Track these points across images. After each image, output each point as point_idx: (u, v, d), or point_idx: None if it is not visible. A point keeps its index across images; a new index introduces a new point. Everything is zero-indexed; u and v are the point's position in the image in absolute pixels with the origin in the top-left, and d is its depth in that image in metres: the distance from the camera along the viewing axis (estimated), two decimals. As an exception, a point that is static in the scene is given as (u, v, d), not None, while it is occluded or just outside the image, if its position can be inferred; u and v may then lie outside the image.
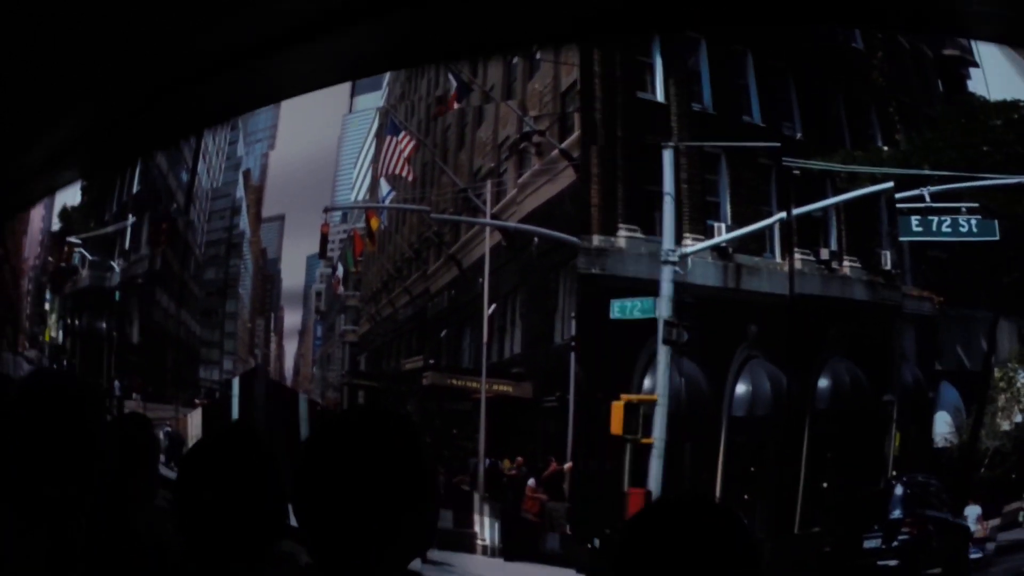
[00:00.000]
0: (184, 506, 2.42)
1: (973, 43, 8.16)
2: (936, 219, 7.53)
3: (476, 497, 6.77)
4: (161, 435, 10.42)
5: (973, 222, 7.42)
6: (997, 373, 7.74)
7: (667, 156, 6.24)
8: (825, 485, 6.58)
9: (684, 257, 6.18)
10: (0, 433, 1.96)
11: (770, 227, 6.42)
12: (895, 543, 6.54)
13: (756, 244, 6.22)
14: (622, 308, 6.21)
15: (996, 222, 7.47)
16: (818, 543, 6.36)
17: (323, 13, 5.73)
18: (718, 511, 1.78)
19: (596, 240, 6.47)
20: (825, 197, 6.68)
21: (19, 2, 5.69)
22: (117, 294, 12.17)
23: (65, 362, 13.71)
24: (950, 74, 8.09)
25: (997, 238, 7.42)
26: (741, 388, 6.26)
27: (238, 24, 6.11)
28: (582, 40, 6.65)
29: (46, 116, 8.83)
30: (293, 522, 2.25)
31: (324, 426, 2.11)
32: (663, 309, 6.11)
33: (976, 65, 8.20)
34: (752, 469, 5.57)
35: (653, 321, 6.18)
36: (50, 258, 14.71)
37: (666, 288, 6.12)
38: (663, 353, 6.11)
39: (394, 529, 1.91)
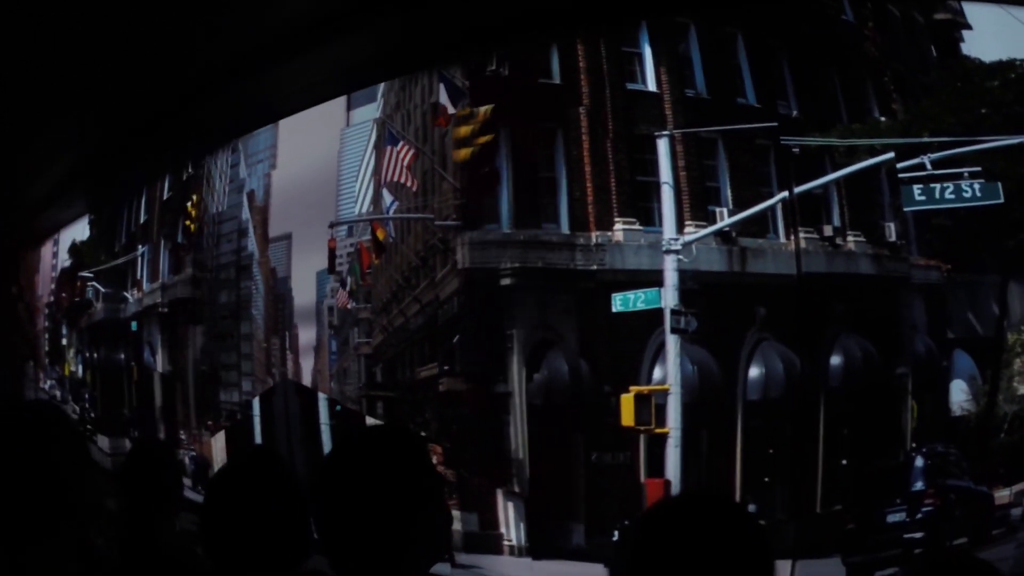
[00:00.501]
0: (210, 528, 2.49)
1: (965, 5, 8.15)
2: (939, 186, 7.51)
3: (500, 499, 6.81)
4: (187, 460, 10.53)
5: (976, 187, 7.39)
6: (1010, 337, 7.71)
7: (663, 145, 6.25)
8: (844, 463, 6.58)
9: (687, 245, 6.19)
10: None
11: (772, 208, 6.40)
12: (919, 516, 6.54)
13: (759, 226, 6.21)
14: (624, 301, 6.25)
15: (999, 185, 7.44)
16: (840, 521, 6.36)
17: (316, 23, 5.80)
18: (728, 507, 1.81)
19: (594, 236, 6.52)
20: (825, 173, 6.66)
21: (13, 36, 5.84)
22: (133, 324, 12.32)
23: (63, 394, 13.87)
24: (943, 39, 8.06)
25: (1001, 201, 7.40)
26: (754, 372, 6.27)
27: (233, 41, 6.22)
28: (572, 30, 6.69)
29: (48, 148, 9.00)
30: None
31: (336, 443, 2.22)
32: (669, 298, 6.14)
33: (969, 27, 8.16)
34: (771, 451, 5.57)
35: (659, 312, 6.21)
36: (63, 293, 14.93)
37: (671, 277, 6.14)
38: (672, 342, 6.13)
39: (404, 538, 1.98)
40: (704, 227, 6.30)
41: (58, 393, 14.53)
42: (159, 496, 3.64)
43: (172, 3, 5.56)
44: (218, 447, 10.23)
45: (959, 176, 7.41)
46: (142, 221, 12.14)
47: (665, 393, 6.16)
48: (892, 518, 6.41)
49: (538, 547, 6.63)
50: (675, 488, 6.14)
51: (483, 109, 6.47)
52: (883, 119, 7.47)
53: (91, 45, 6.19)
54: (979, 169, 7.45)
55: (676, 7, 6.23)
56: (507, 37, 6.55)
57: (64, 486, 1.86)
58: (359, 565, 2.01)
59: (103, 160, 9.65)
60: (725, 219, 6.37)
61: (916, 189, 7.55)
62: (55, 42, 6.14)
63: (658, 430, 6.15)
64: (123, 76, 6.95)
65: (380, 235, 10.25)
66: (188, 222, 10.67)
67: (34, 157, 9.50)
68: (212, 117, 8.23)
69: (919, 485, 6.57)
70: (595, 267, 6.55)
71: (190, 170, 10.89)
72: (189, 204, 10.61)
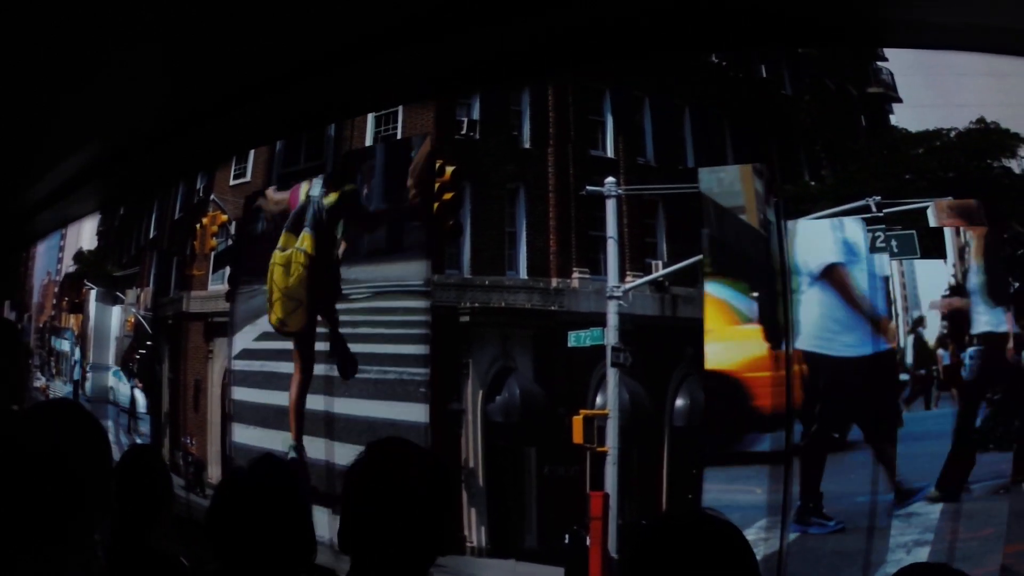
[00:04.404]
0: (217, 533, 2.61)
1: (897, 78, 8.95)
2: (882, 235, 8.33)
3: (464, 503, 7.63)
4: (182, 461, 11.00)
5: (894, 242, 8.23)
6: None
7: (611, 205, 7.21)
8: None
9: (626, 292, 7.11)
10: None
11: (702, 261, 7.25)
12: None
13: (689, 277, 7.07)
14: (576, 338, 7.24)
15: (916, 240, 8.28)
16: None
17: (362, 37, 6.21)
18: (723, 527, 1.92)
19: (554, 281, 7.50)
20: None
21: (30, 29, 6.01)
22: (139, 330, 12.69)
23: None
24: (874, 110, 8.87)
25: (919, 255, 8.25)
26: (680, 402, 7.11)
27: (256, 57, 6.69)
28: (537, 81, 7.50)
29: (56, 149, 9.28)
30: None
31: (361, 454, 2.42)
32: (611, 337, 7.10)
33: (899, 100, 8.95)
34: (693, 472, 6.39)
35: (602, 348, 7.16)
36: (66, 298, 15.01)
37: (612, 319, 7.12)
38: (612, 374, 7.10)
39: (422, 537, 2.25)
40: (641, 276, 7.17)
41: (59, 393, 14.67)
42: (150, 502, 3.78)
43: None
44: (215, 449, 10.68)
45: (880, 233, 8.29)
46: (152, 235, 12.49)
47: (605, 417, 7.08)
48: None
49: (496, 548, 7.48)
50: (613, 500, 7.02)
51: (449, 168, 7.33)
52: (813, 183, 8.34)
53: (106, 52, 6.44)
54: (899, 227, 8.34)
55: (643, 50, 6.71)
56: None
57: (80, 488, 1.80)
58: (381, 562, 2.20)
59: (111, 164, 9.99)
60: (660, 270, 7.26)
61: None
62: (64, 51, 6.37)
63: (599, 449, 7.07)
64: (139, 86, 7.30)
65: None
66: (195, 241, 11.12)
67: (39, 160, 9.78)
68: (226, 131, 8.66)
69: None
70: (554, 308, 7.47)
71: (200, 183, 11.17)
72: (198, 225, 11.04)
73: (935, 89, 8.31)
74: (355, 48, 6.38)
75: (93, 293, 14.09)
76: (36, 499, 1.73)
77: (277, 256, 8.89)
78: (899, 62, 8.14)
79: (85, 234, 14.07)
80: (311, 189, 8.92)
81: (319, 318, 8.49)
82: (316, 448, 8.57)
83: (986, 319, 7.18)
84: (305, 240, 8.69)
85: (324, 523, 3.47)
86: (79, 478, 1.81)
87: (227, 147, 10.00)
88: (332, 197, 8.60)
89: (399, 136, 8.09)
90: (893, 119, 9.16)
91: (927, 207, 8.68)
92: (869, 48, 8.18)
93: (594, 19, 5.57)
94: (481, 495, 7.40)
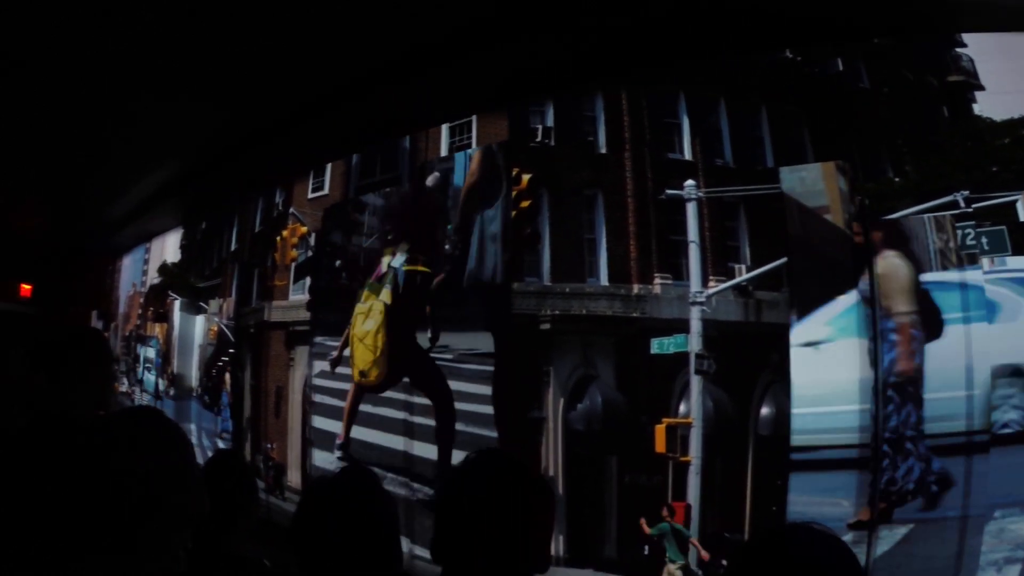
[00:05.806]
0: (302, 543, 2.60)
1: (978, 65, 8.66)
2: (972, 232, 8.07)
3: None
4: (263, 467, 11.23)
5: (984, 239, 7.95)
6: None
7: (691, 208, 7.10)
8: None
9: (709, 297, 7.00)
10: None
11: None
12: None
13: (774, 280, 6.92)
14: (660, 344, 7.13)
15: (1007, 236, 8.00)
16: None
17: (420, 49, 6.31)
18: (830, 538, 1.91)
19: (636, 287, 7.42)
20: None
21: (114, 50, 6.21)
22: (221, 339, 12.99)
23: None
24: (955, 100, 8.57)
25: (1009, 253, 7.96)
26: (765, 410, 6.95)
27: (331, 68, 6.79)
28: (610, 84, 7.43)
29: (140, 164, 9.56)
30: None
31: (458, 466, 2.45)
32: (694, 343, 6.99)
33: (982, 88, 8.63)
34: (779, 483, 6.26)
35: (685, 355, 7.06)
36: (151, 308, 15.47)
37: (695, 325, 7.01)
38: (695, 382, 6.98)
39: (513, 550, 2.26)
40: (724, 281, 7.04)
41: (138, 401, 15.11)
42: (233, 506, 3.85)
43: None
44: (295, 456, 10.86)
45: (968, 229, 8.03)
46: (233, 247, 12.77)
47: (688, 426, 6.97)
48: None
49: (575, 557, 7.42)
50: (695, 511, 6.92)
51: (526, 176, 7.30)
52: (896, 179, 8.10)
53: (184, 68, 6.61)
54: (989, 223, 8.07)
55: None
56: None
57: (147, 497, 1.77)
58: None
59: (193, 177, 10.22)
60: (743, 274, 7.13)
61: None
62: (145, 67, 6.52)
63: (682, 458, 6.97)
64: (217, 101, 7.52)
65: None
66: (276, 253, 11.31)
67: (123, 174, 10.06)
68: (305, 141, 8.78)
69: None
70: (636, 315, 7.40)
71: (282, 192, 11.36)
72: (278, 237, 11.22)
73: (1018, 74, 8.01)
74: (425, 56, 6.45)
75: (177, 303, 14.47)
76: (98, 507, 1.73)
77: (359, 308, 9.03)
78: (977, 47, 7.85)
79: (168, 247, 14.51)
80: (393, 260, 9.06)
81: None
82: (395, 453, 8.63)
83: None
84: (385, 294, 8.81)
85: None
86: (147, 487, 1.80)
87: (302, 160, 10.16)
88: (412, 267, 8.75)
89: (474, 146, 8.10)
90: (976, 108, 8.89)
91: (1016, 200, 8.44)
92: (949, 33, 7.89)
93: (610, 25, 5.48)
94: (561, 504, 7.35)
